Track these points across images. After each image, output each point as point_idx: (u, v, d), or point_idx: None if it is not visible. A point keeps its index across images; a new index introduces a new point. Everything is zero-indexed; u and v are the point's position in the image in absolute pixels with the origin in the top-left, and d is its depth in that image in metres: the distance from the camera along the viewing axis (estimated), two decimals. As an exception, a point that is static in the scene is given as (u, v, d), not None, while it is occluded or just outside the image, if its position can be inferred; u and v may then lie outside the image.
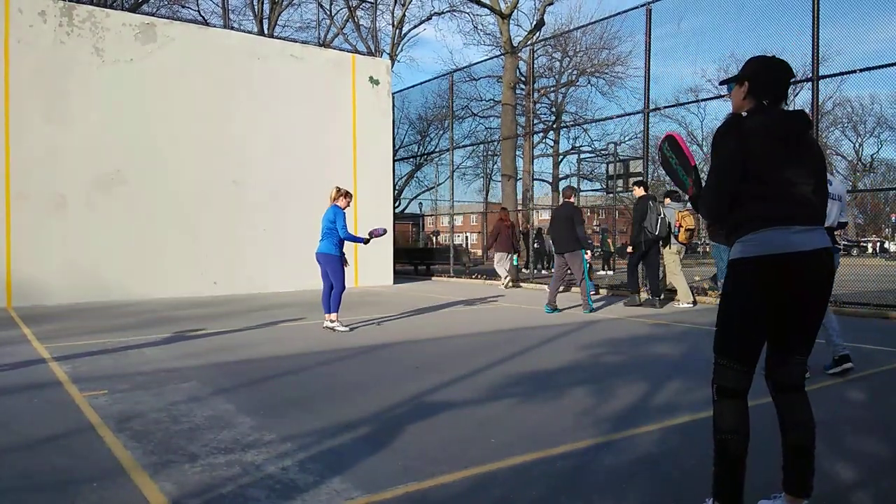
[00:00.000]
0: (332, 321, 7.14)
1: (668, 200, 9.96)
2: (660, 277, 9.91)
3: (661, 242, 9.49)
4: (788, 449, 2.29)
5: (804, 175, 2.25)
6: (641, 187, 9.58)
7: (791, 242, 2.19)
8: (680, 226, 9.29)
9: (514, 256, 14.35)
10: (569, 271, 9.12)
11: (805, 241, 2.20)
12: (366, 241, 7.31)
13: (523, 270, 15.99)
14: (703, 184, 2.39)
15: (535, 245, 17.12)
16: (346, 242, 7.22)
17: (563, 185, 27.52)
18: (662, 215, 9.38)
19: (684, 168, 2.55)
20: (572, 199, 9.30)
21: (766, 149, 2.22)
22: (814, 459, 2.28)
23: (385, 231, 7.70)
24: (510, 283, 13.64)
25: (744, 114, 2.31)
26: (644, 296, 9.94)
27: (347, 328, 7.18)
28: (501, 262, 13.87)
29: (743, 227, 2.25)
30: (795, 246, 2.19)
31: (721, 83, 2.53)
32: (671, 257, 9.67)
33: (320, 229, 7.19)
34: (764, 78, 2.34)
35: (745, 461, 2.22)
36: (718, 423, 2.26)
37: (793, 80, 2.41)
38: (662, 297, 9.70)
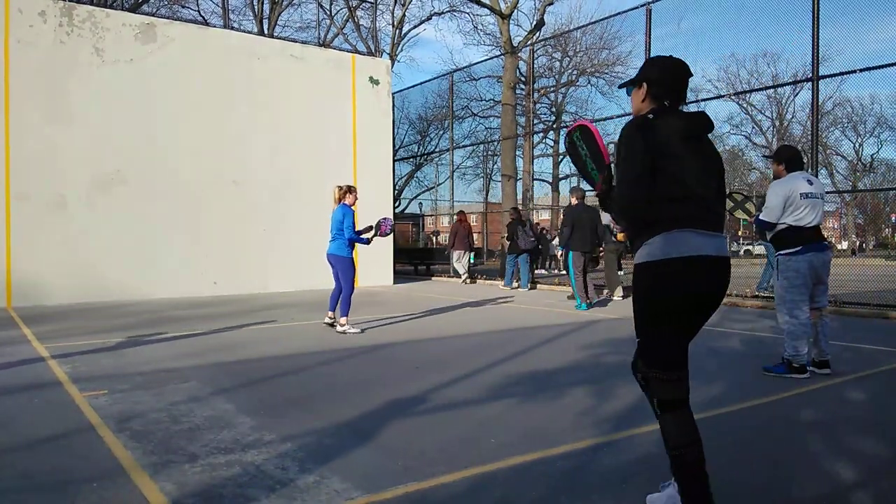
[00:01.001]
0: (342, 325, 7.03)
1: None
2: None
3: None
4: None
5: (709, 178, 2.24)
6: (575, 196, 10.03)
7: (702, 245, 2.15)
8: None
9: (472, 255, 15.71)
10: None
11: (714, 247, 2.18)
12: (368, 242, 7.22)
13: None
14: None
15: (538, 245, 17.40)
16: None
17: (563, 185, 27.54)
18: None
19: (595, 161, 2.43)
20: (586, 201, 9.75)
21: (677, 149, 2.18)
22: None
23: (393, 226, 7.54)
24: (468, 280, 14.86)
25: (650, 116, 2.25)
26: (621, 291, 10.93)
27: (359, 330, 7.10)
28: (460, 260, 14.97)
29: (653, 228, 2.19)
30: (706, 249, 2.15)
31: (620, 87, 2.49)
32: (609, 255, 10.94)
33: (329, 229, 7.13)
34: (663, 79, 2.31)
35: (705, 469, 2.14)
36: (668, 439, 2.18)
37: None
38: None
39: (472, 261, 15.47)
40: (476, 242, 16.42)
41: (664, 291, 2.16)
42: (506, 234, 13.71)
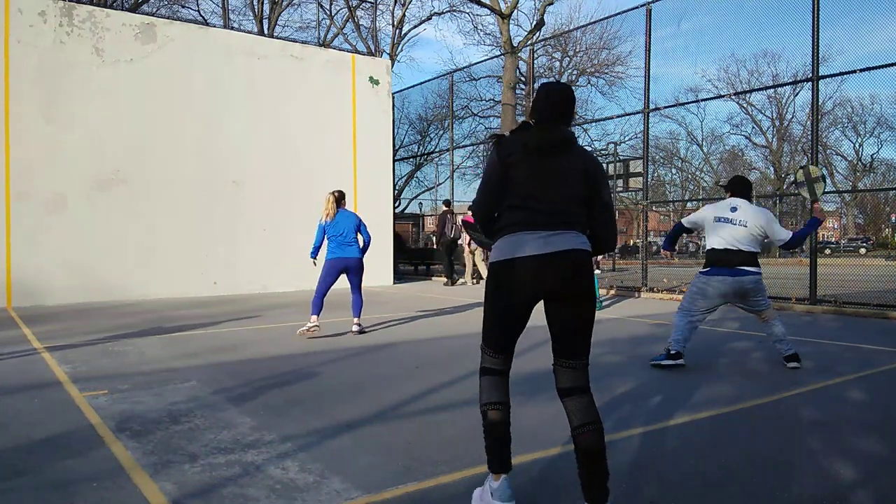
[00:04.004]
0: (356, 324, 7.02)
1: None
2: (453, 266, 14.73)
3: (457, 241, 14.45)
4: (581, 455, 2.31)
5: (558, 186, 2.34)
6: (444, 204, 11.84)
7: (532, 246, 2.29)
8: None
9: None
10: None
11: (544, 245, 2.29)
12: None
13: None
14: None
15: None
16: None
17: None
18: (457, 224, 14.19)
19: None
20: None
21: (520, 160, 2.35)
22: (606, 461, 2.30)
23: None
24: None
25: (505, 133, 2.48)
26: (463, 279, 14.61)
27: (359, 330, 7.09)
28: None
29: (497, 235, 2.42)
30: (536, 249, 2.28)
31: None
32: (478, 251, 14.03)
33: (343, 234, 6.85)
34: (537, 104, 2.46)
35: (508, 429, 2.45)
36: (480, 396, 2.51)
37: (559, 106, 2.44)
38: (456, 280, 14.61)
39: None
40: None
41: (497, 287, 2.39)
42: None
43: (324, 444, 3.27)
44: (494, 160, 2.38)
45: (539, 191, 2.32)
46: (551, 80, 2.54)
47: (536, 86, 23.29)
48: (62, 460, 3.03)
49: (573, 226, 2.34)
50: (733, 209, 5.03)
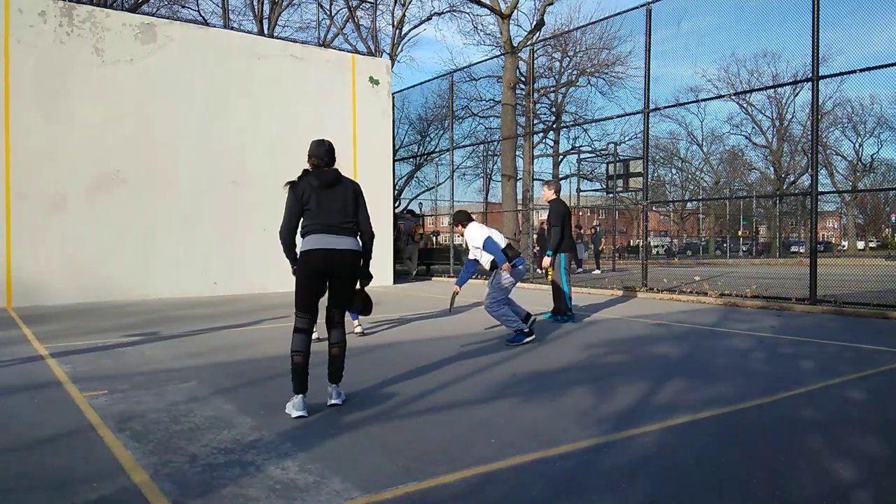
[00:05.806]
0: (358, 325, 7.02)
1: (408, 215, 17.54)
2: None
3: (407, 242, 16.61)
4: (330, 358, 3.97)
5: (336, 206, 3.88)
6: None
7: (320, 243, 3.81)
8: (415, 231, 16.85)
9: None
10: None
11: (330, 243, 3.82)
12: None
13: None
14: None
15: (537, 248, 17.24)
16: None
17: (563, 185, 27.53)
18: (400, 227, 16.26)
19: None
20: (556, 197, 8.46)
21: (310, 192, 3.85)
22: (342, 363, 3.98)
23: None
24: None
25: (298, 177, 3.90)
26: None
27: (360, 330, 7.07)
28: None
29: (303, 236, 3.88)
30: (323, 245, 3.81)
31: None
32: (411, 249, 16.85)
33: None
34: (313, 155, 4.03)
35: (307, 368, 3.83)
36: (292, 346, 3.88)
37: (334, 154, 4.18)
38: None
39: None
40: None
41: (302, 268, 3.89)
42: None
43: (324, 444, 3.27)
44: (292, 198, 3.83)
45: (327, 210, 3.83)
46: (319, 139, 4.55)
47: (537, 86, 23.38)
48: (62, 460, 3.03)
49: (349, 233, 3.89)
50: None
